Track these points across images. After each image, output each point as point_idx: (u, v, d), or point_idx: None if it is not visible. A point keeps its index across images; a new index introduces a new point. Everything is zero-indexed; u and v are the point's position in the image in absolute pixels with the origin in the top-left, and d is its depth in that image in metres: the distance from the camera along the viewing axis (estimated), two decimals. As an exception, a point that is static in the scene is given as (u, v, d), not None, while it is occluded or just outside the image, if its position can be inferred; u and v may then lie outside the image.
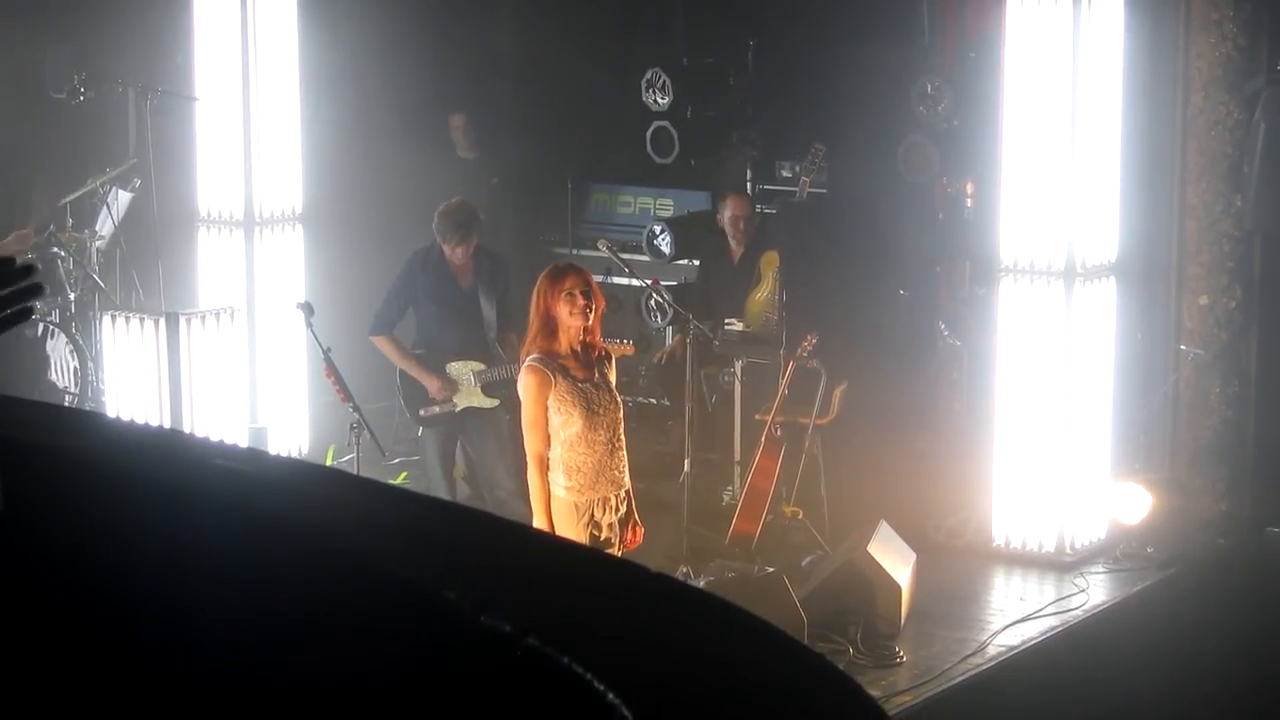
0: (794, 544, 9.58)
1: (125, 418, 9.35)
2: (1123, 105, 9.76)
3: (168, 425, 9.55)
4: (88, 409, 10.17)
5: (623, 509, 7.38)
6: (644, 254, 11.49)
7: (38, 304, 2.15)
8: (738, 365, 10.48)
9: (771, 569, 8.87)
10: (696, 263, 11.41)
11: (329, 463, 9.76)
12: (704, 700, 1.74)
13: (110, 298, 10.72)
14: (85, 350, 10.58)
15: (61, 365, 10.64)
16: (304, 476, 2.32)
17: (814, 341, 9.61)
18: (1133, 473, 10.13)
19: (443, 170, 11.78)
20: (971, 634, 8.76)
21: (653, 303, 11.07)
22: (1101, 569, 9.71)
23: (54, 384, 10.55)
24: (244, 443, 9.42)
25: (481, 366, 9.66)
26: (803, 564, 9.27)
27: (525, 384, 7.22)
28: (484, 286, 9.71)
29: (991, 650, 8.59)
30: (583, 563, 2.25)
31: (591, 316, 7.25)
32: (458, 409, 9.69)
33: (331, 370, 8.89)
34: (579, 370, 7.24)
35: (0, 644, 1.94)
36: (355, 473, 8.34)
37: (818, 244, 10.58)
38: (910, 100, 10.84)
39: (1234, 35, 10.27)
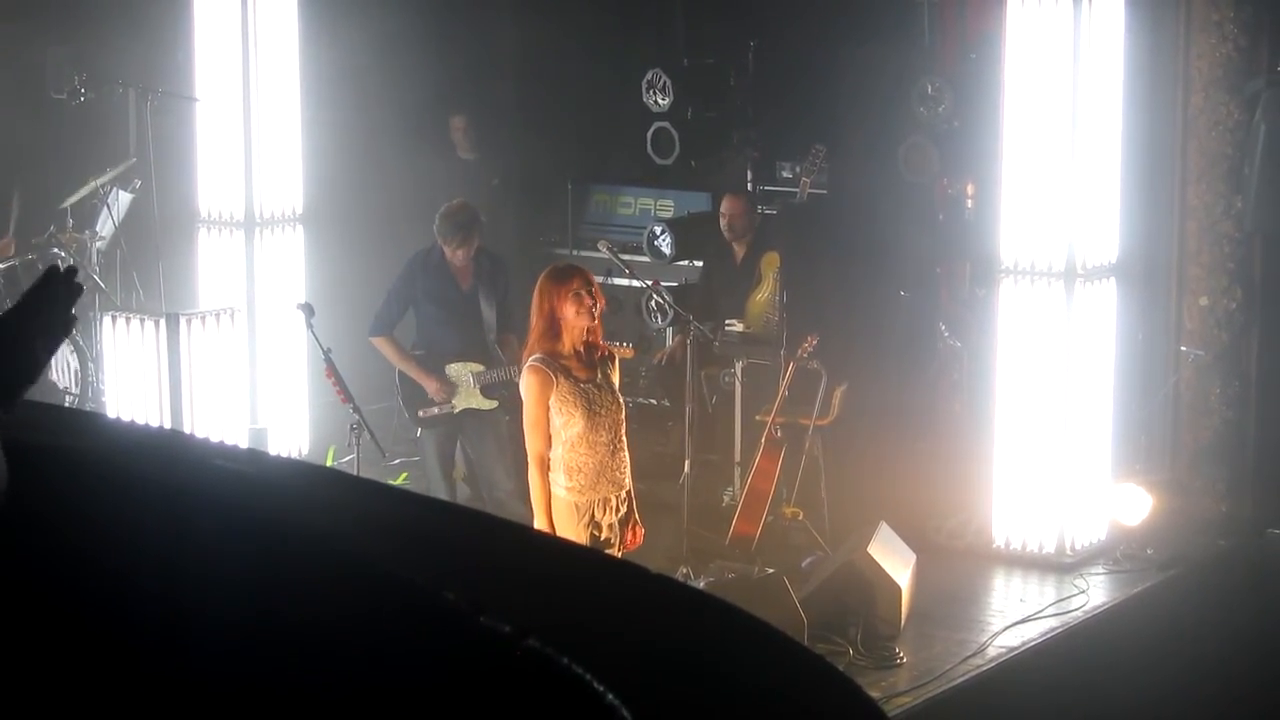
0: (794, 545, 9.57)
1: (125, 418, 9.35)
2: (1123, 106, 9.76)
3: (168, 426, 9.55)
4: (88, 410, 10.17)
5: (623, 509, 7.38)
6: (644, 255, 11.50)
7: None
8: (738, 366, 10.48)
9: (771, 570, 8.87)
10: (698, 264, 11.40)
11: (329, 463, 9.76)
12: (704, 701, 1.74)
13: (111, 298, 10.72)
14: (86, 351, 10.58)
15: (62, 366, 10.64)
16: (304, 477, 2.32)
17: (814, 342, 9.61)
18: (1133, 474, 10.13)
19: (443, 171, 11.79)
20: (972, 635, 8.76)
21: (653, 304, 11.07)
22: (1102, 570, 9.71)
23: (54, 385, 10.54)
24: (244, 443, 9.42)
25: (481, 368, 9.66)
26: (803, 565, 9.26)
27: (527, 384, 7.22)
28: (484, 288, 9.71)
29: (992, 651, 8.58)
30: (582, 564, 2.25)
31: (597, 315, 7.29)
32: (457, 410, 9.69)
33: (332, 371, 8.89)
34: (581, 371, 7.24)
35: (1, 645, 1.94)
36: (355, 473, 8.34)
37: (818, 245, 10.58)
38: (911, 101, 10.84)
39: (1234, 36, 10.27)
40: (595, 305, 7.27)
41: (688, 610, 1.94)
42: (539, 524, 7.19)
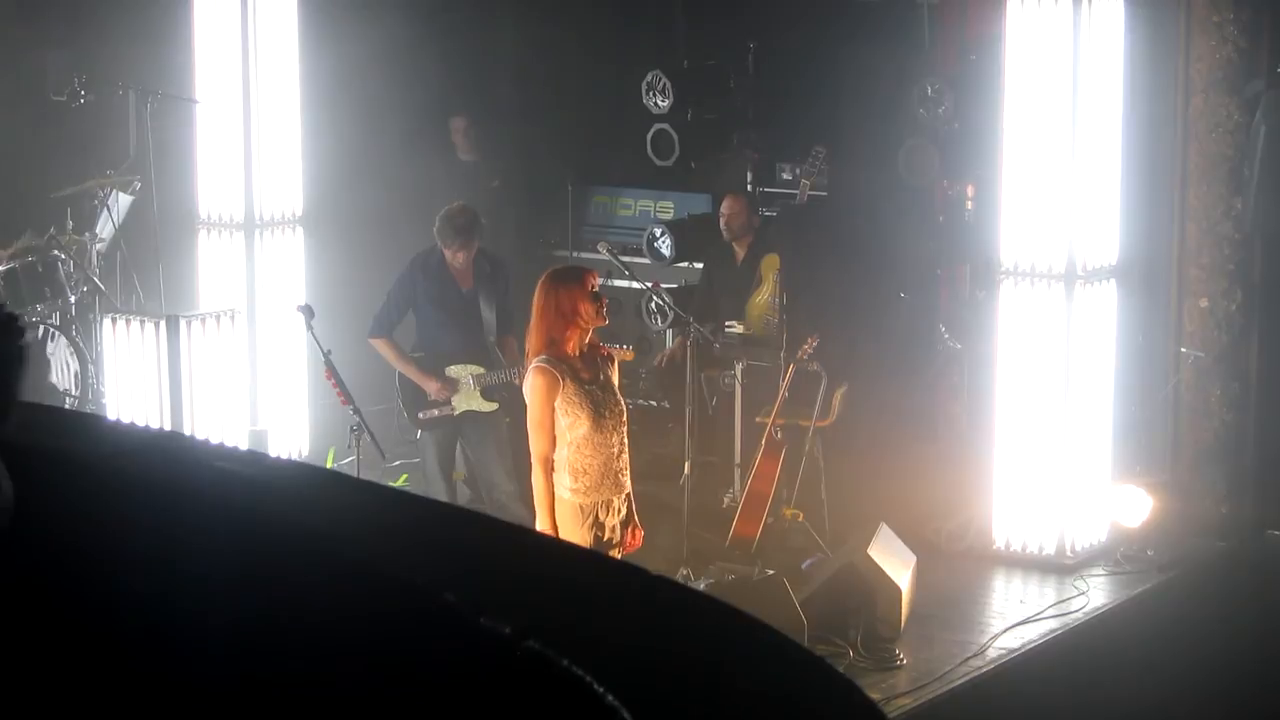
0: (794, 546, 9.58)
1: (126, 420, 9.35)
2: (1123, 108, 9.77)
3: (168, 428, 9.55)
4: (88, 412, 10.17)
5: (623, 511, 7.38)
6: (644, 257, 11.50)
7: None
8: (738, 368, 10.48)
9: (772, 571, 8.87)
10: (698, 265, 11.41)
11: (329, 465, 9.76)
12: (704, 703, 1.74)
13: (111, 300, 10.72)
14: (86, 353, 10.58)
15: (62, 368, 10.64)
16: (304, 479, 2.32)
17: (814, 344, 9.61)
18: (1133, 475, 10.13)
19: (443, 173, 11.79)
20: (972, 637, 8.77)
21: (653, 305, 11.07)
22: (1102, 572, 9.72)
23: (54, 387, 10.54)
24: (244, 445, 9.41)
25: (481, 370, 9.67)
26: (803, 566, 9.27)
27: (534, 385, 7.19)
28: (484, 290, 9.71)
29: (992, 653, 8.59)
30: (582, 565, 2.25)
31: (607, 316, 7.34)
32: (457, 412, 9.69)
33: (332, 373, 8.89)
34: (585, 372, 7.24)
35: (1, 647, 1.94)
36: (355, 475, 8.34)
37: (818, 246, 10.59)
38: (911, 103, 10.84)
39: (1234, 38, 10.27)
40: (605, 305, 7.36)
41: (688, 612, 1.94)
42: (542, 525, 7.18)
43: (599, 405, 7.21)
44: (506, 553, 2.06)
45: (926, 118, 10.82)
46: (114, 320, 9.97)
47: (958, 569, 9.69)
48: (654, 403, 11.48)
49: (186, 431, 9.53)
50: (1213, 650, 9.05)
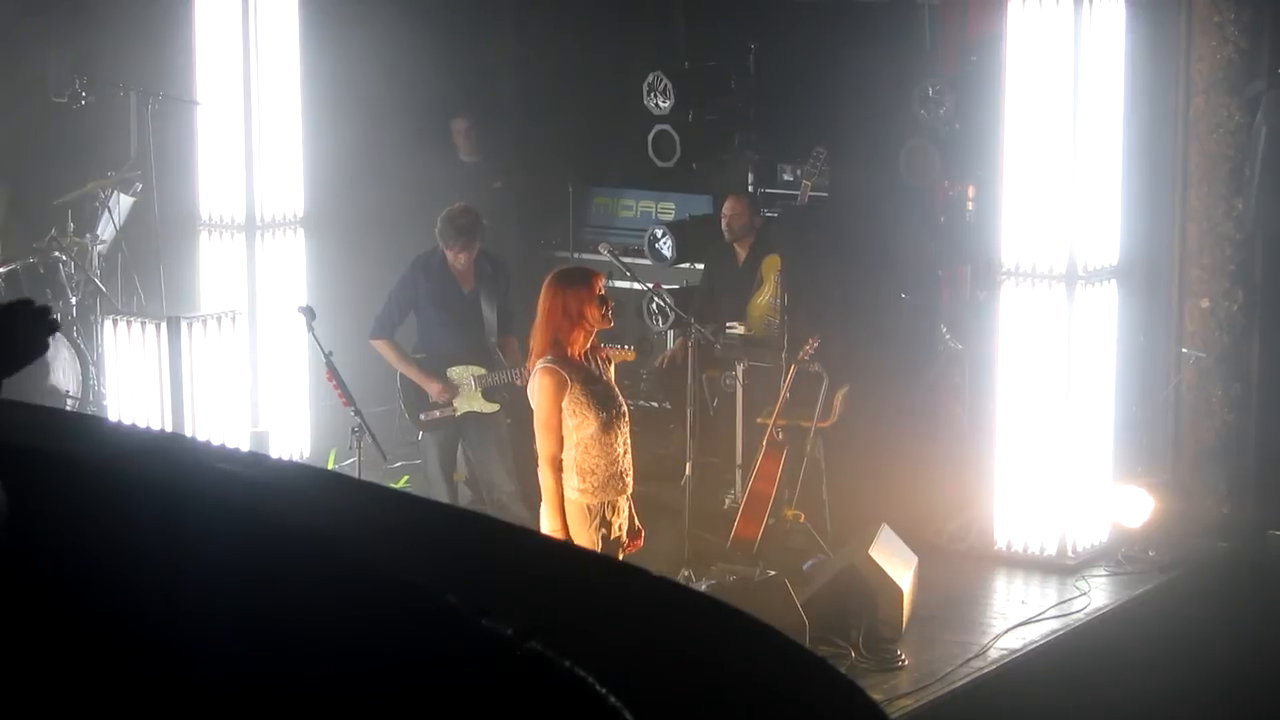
0: (795, 547, 9.57)
1: (127, 422, 9.35)
2: (1124, 108, 9.77)
3: (169, 430, 9.55)
4: (89, 414, 10.17)
5: (626, 512, 7.38)
6: (645, 258, 11.50)
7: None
8: (739, 369, 10.48)
9: (773, 572, 8.86)
10: (699, 266, 11.41)
11: (330, 466, 9.76)
12: (706, 703, 1.74)
13: (112, 302, 10.72)
14: (87, 355, 10.58)
15: (63, 370, 10.63)
16: (305, 480, 2.32)
17: (816, 345, 9.61)
18: (1134, 476, 10.13)
19: (444, 174, 11.79)
20: (973, 637, 8.76)
21: (654, 306, 11.07)
22: (1103, 572, 9.72)
23: (55, 388, 10.54)
24: (245, 447, 9.42)
25: (482, 371, 9.66)
26: (804, 567, 9.27)
27: (541, 386, 7.18)
28: (485, 291, 9.71)
29: (993, 654, 8.59)
30: (584, 566, 2.25)
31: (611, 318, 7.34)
32: (458, 413, 9.69)
33: (333, 374, 8.88)
34: (591, 373, 7.24)
35: (3, 646, 1.94)
36: (357, 477, 8.34)
37: (819, 247, 10.58)
38: (912, 104, 10.84)
39: (1235, 38, 10.27)
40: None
41: (689, 612, 1.94)
42: (552, 525, 7.17)
43: (606, 406, 7.21)
44: (508, 554, 2.06)
45: (927, 118, 10.81)
46: (115, 322, 9.97)
47: (959, 570, 9.69)
48: (655, 404, 11.48)
49: (187, 433, 9.53)
50: (1214, 651, 9.05)
